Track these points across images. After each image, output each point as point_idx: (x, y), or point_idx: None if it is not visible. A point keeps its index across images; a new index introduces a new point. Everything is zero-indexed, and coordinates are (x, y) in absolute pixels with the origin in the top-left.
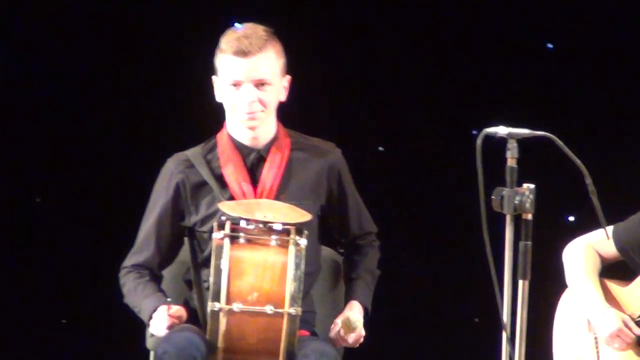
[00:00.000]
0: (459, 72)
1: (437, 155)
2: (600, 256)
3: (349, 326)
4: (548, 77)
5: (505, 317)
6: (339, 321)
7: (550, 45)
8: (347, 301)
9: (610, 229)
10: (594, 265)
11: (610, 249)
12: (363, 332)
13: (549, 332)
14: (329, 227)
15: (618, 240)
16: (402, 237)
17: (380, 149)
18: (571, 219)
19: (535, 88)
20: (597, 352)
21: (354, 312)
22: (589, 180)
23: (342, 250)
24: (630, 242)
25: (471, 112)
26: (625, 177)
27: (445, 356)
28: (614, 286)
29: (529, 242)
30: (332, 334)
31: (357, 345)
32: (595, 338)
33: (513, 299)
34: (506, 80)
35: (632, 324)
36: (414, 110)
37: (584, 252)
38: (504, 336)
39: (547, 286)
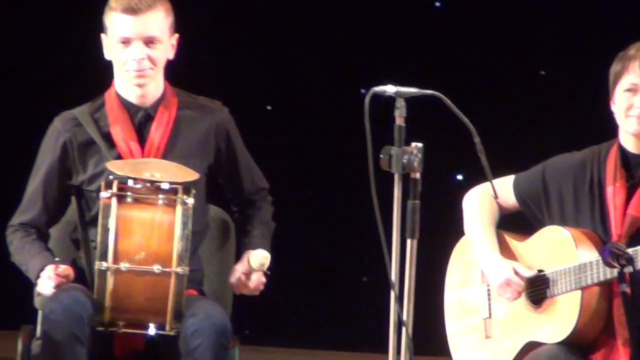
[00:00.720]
0: (347, 32)
1: (325, 114)
2: (500, 206)
3: (257, 262)
4: (436, 36)
5: (394, 275)
6: (239, 267)
7: (437, 4)
8: (244, 252)
9: (511, 178)
10: (492, 216)
11: (509, 199)
12: (263, 279)
13: (439, 290)
14: (220, 186)
15: (517, 190)
16: (291, 195)
17: (268, 107)
18: (459, 177)
19: (424, 47)
20: (489, 304)
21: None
22: (477, 139)
23: (235, 209)
24: (529, 192)
25: (360, 71)
26: (513, 135)
27: (334, 315)
28: (512, 240)
29: (417, 201)
30: (233, 279)
31: (257, 292)
32: (488, 289)
33: (402, 258)
34: (395, 39)
35: (522, 269)
36: (303, 69)
37: (483, 202)
38: (393, 295)
39: (436, 245)
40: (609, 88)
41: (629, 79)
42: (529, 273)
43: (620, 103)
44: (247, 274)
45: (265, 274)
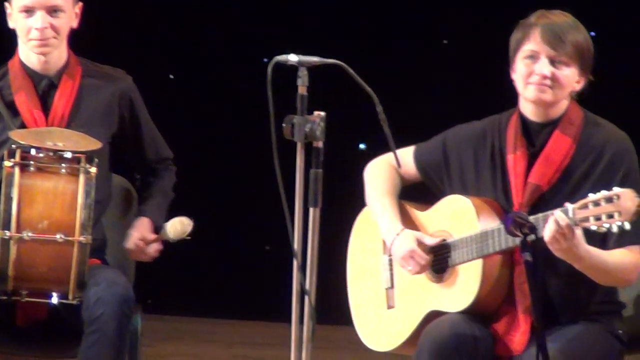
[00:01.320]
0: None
1: (228, 83)
2: (401, 176)
3: (180, 229)
4: (339, 4)
5: (297, 244)
6: (135, 233)
7: None
8: (138, 218)
9: (411, 148)
10: (394, 186)
11: (410, 170)
12: (160, 247)
13: (342, 259)
14: (123, 155)
15: (418, 160)
16: (195, 165)
17: (171, 76)
18: (362, 146)
19: (326, 16)
20: (391, 274)
21: (174, 220)
22: (379, 108)
23: (138, 176)
24: (430, 162)
25: (262, 40)
26: (416, 104)
27: (237, 284)
28: (414, 210)
29: (320, 170)
30: (130, 244)
31: (151, 260)
32: (390, 259)
33: (304, 227)
34: (297, 8)
35: (426, 238)
36: (205, 37)
37: (385, 172)
38: (295, 264)
39: (339, 213)
40: (510, 56)
41: (529, 47)
42: (433, 241)
43: (520, 70)
44: (145, 240)
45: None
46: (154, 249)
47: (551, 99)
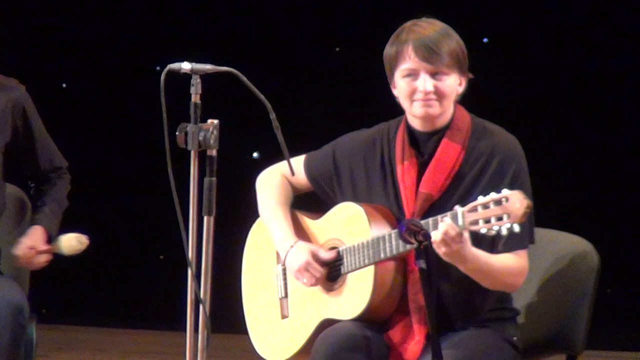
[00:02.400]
0: (142, 7)
1: (122, 92)
2: (292, 186)
3: (75, 245)
4: (230, 13)
5: (191, 253)
6: (26, 240)
7: None
8: (32, 227)
9: (302, 157)
10: (285, 195)
11: (301, 179)
12: (49, 257)
13: (237, 267)
14: (17, 164)
15: (309, 170)
16: (89, 174)
17: (64, 85)
18: (255, 155)
19: (220, 24)
20: (285, 284)
21: (70, 235)
22: (273, 116)
23: (32, 185)
24: (321, 171)
25: (155, 48)
26: (310, 112)
27: (131, 293)
28: (306, 219)
29: (214, 178)
30: (19, 251)
31: (37, 267)
32: (284, 269)
33: (199, 236)
34: (191, 16)
35: (321, 253)
36: (98, 46)
37: (276, 182)
38: (190, 272)
39: (234, 222)
40: (386, 72)
41: (406, 65)
42: (328, 255)
43: (402, 89)
44: (36, 249)
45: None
46: (43, 259)
47: (439, 111)
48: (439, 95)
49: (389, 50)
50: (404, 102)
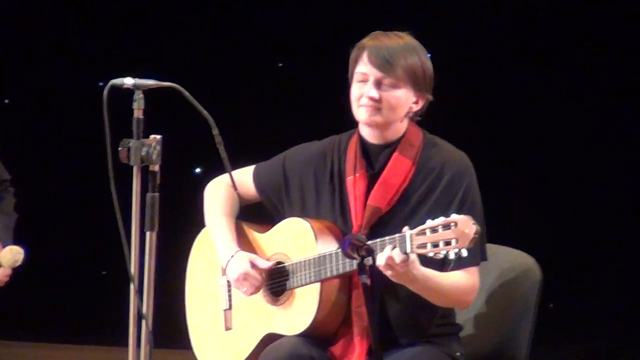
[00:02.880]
0: (86, 22)
1: (65, 107)
2: (240, 196)
3: (10, 259)
4: (176, 27)
5: (133, 268)
6: None
7: None
8: None
9: (252, 168)
10: (231, 207)
11: (250, 190)
12: (9, 272)
13: (180, 282)
14: None
15: (258, 180)
16: (31, 188)
17: (6, 101)
18: (198, 170)
19: (164, 38)
20: (229, 295)
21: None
22: (215, 131)
23: None
24: (269, 183)
25: (98, 63)
26: (254, 126)
27: (74, 309)
28: (252, 232)
29: (156, 194)
30: None
31: (2, 284)
32: (228, 281)
33: (141, 251)
34: (136, 31)
35: (259, 261)
36: (41, 61)
37: (222, 193)
38: (132, 288)
39: (177, 237)
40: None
41: (360, 69)
42: (267, 264)
43: (353, 93)
44: None
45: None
46: (2, 275)
47: (381, 121)
48: (384, 105)
49: (351, 55)
50: (353, 107)
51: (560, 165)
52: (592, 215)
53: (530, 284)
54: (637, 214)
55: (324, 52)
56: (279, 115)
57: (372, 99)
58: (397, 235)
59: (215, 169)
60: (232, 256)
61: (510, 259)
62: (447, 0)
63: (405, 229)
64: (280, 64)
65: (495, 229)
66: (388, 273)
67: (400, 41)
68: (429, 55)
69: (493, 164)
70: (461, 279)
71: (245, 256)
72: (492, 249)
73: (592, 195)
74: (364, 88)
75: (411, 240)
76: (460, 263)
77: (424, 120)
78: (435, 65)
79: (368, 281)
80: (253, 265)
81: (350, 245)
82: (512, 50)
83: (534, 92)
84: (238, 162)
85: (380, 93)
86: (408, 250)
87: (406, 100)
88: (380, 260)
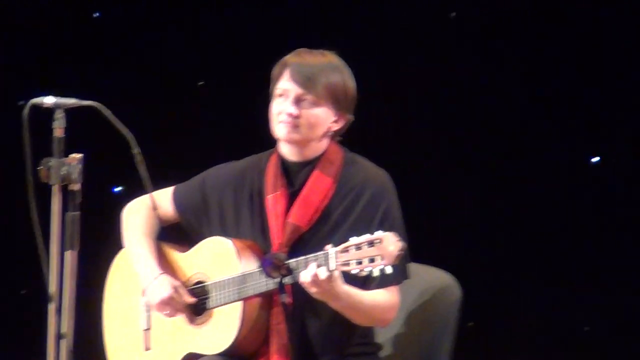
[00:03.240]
0: (5, 40)
1: None
2: (160, 217)
3: None
4: (97, 45)
5: (53, 288)
6: None
7: (97, 14)
8: None
9: (171, 189)
10: (151, 227)
11: (169, 210)
12: None
13: (100, 301)
14: None
15: (177, 201)
16: None
17: None
18: (119, 189)
19: (85, 57)
20: (148, 315)
21: None
22: (136, 150)
23: None
24: (189, 203)
25: (16, 82)
26: (175, 145)
27: None
28: (173, 252)
29: (77, 213)
30: None
31: None
32: (147, 302)
33: (61, 270)
34: (57, 49)
35: (182, 291)
36: None
37: (142, 214)
38: (52, 308)
39: (97, 256)
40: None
41: (280, 85)
42: (192, 300)
43: (273, 108)
44: None
45: None
46: None
47: (300, 138)
48: (303, 122)
49: (273, 70)
50: (272, 124)
51: (479, 182)
52: (513, 232)
53: (449, 302)
54: (556, 230)
55: (245, 70)
56: (199, 134)
57: (290, 115)
58: (321, 252)
59: (136, 188)
60: (155, 278)
61: (430, 278)
62: (376, 22)
63: (329, 246)
64: (201, 83)
65: (415, 247)
66: (312, 290)
67: (324, 59)
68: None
69: (412, 182)
70: (382, 297)
71: (169, 281)
72: (411, 267)
73: (511, 212)
74: (283, 104)
75: (335, 258)
76: (383, 281)
77: (351, 138)
78: (360, 86)
79: (289, 300)
80: (176, 291)
81: (271, 264)
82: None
83: (445, 107)
84: (159, 182)
85: (299, 110)
86: (332, 268)
87: (325, 118)
88: (305, 277)
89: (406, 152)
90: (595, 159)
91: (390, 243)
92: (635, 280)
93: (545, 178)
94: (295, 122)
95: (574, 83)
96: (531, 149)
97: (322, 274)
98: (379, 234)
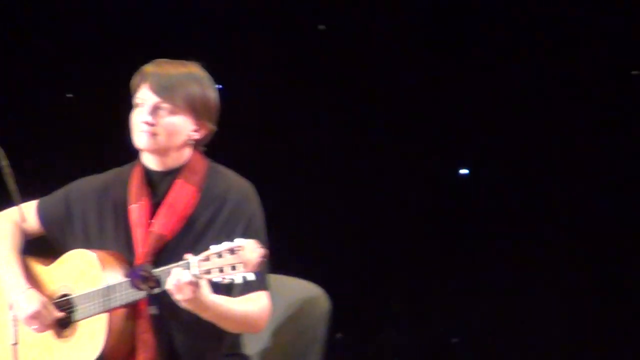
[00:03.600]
0: None
1: None
2: (25, 231)
3: None
4: None
5: None
6: None
7: None
8: None
9: (35, 202)
10: (17, 241)
11: (33, 223)
12: None
13: None
14: None
15: (41, 214)
16: None
17: None
18: None
19: None
20: (16, 330)
21: None
22: (4, 162)
23: None
24: (53, 216)
25: None
26: (44, 158)
27: None
28: (37, 265)
29: None
30: None
31: None
32: (15, 316)
33: None
34: None
35: (51, 307)
36: None
37: (7, 227)
38: None
39: None
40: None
41: (139, 94)
42: (59, 315)
43: (133, 118)
44: None
45: None
46: None
47: (157, 146)
48: (160, 130)
49: (132, 81)
50: (133, 133)
51: (345, 196)
52: (381, 243)
53: (318, 314)
54: (424, 241)
55: (110, 85)
56: (67, 147)
57: (148, 123)
58: (181, 262)
59: (3, 200)
60: (22, 292)
61: (298, 290)
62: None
63: (189, 256)
64: (70, 95)
65: (283, 259)
66: (178, 298)
67: (183, 69)
68: (220, 87)
69: (280, 193)
70: (251, 304)
71: (37, 296)
72: (279, 280)
73: (379, 224)
74: (142, 113)
75: (196, 267)
76: (248, 287)
77: (215, 150)
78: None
79: (155, 312)
80: (44, 306)
81: (139, 277)
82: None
83: (308, 123)
84: (27, 194)
85: (157, 119)
86: (193, 278)
87: (184, 127)
88: (169, 285)
89: (271, 164)
90: (464, 171)
91: (251, 250)
92: (503, 291)
93: (414, 190)
94: (153, 131)
95: (442, 95)
96: (400, 162)
97: (184, 279)
98: (239, 241)
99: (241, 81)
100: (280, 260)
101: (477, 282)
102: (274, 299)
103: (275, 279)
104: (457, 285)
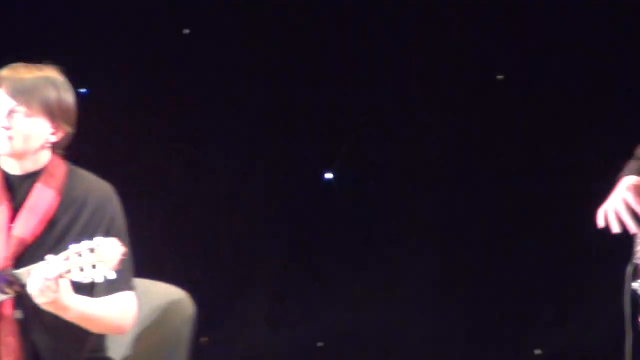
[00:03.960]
0: None
1: None
2: None
3: None
4: None
5: None
6: None
7: None
8: None
9: None
10: None
11: None
12: None
13: None
14: None
15: None
16: None
17: None
18: None
19: None
20: None
21: None
22: None
23: None
24: None
25: None
26: None
27: None
28: None
29: None
30: None
31: None
32: None
33: None
34: None
35: None
36: None
37: None
38: None
39: None
40: None
41: None
42: None
43: None
44: None
45: None
46: None
47: (14, 150)
48: (16, 133)
49: None
50: None
51: (209, 195)
52: (241, 247)
53: (182, 318)
54: (287, 245)
55: None
56: None
57: (4, 128)
58: (41, 263)
59: None
60: None
61: (162, 294)
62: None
63: (50, 256)
64: None
65: (146, 264)
66: (40, 300)
67: (39, 74)
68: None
69: (142, 197)
70: (116, 304)
71: None
72: (142, 284)
73: (243, 227)
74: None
75: (57, 267)
76: (112, 288)
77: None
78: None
79: (21, 315)
80: None
81: (5, 281)
82: None
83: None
84: None
85: (12, 122)
86: (53, 277)
87: (41, 130)
88: (30, 287)
89: (135, 168)
90: (329, 176)
91: (111, 248)
92: (367, 296)
93: (278, 193)
94: (8, 135)
95: (309, 95)
96: (267, 162)
97: (44, 281)
98: (98, 240)
99: (106, 85)
100: (143, 265)
101: (342, 286)
102: (138, 304)
103: (139, 283)
104: (320, 291)
